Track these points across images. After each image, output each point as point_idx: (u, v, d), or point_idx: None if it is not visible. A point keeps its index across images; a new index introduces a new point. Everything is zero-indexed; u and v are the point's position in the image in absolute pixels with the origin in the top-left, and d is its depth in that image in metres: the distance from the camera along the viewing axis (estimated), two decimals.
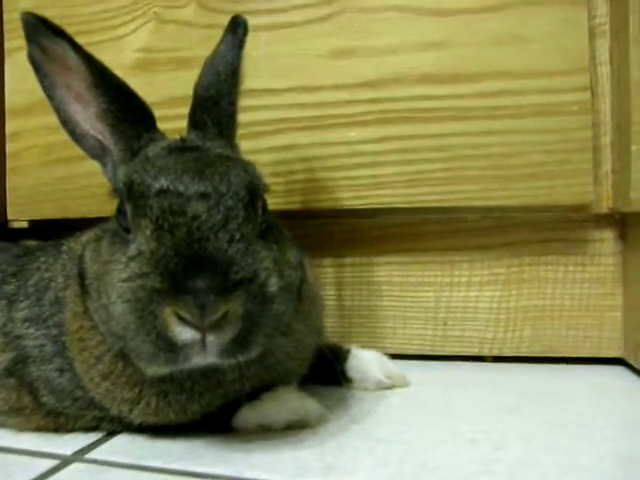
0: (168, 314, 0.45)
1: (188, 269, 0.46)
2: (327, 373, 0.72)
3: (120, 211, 0.53)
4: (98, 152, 0.62)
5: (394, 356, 0.76)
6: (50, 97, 0.60)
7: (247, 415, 0.58)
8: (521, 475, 0.48)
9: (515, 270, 0.82)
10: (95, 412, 0.59)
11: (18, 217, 0.95)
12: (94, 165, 0.88)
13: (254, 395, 0.59)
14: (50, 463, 0.53)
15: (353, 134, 0.80)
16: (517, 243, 0.81)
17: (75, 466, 0.53)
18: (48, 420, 0.60)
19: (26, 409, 0.60)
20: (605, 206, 0.77)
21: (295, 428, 0.58)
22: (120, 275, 0.48)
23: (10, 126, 0.94)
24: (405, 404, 0.67)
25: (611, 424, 0.59)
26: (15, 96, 0.93)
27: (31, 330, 0.60)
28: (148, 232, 0.48)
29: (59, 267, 0.63)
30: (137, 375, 0.54)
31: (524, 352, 0.82)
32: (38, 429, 0.60)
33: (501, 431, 0.57)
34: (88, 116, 0.60)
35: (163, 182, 0.50)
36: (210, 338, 0.46)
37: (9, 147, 0.94)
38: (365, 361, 0.73)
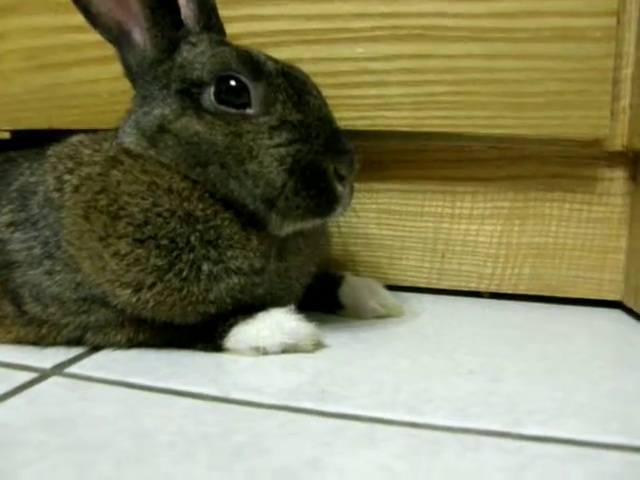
0: (330, 170, 0.54)
1: (334, 134, 0.56)
2: (320, 300, 0.69)
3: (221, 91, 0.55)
4: (115, 34, 0.59)
5: (389, 288, 0.73)
6: None
7: (240, 336, 0.56)
8: (519, 408, 0.46)
9: (519, 205, 0.79)
10: (82, 318, 0.56)
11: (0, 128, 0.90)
12: (83, 73, 0.84)
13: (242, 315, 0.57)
14: (28, 376, 0.51)
15: (360, 50, 0.74)
16: (523, 177, 0.78)
17: (54, 379, 0.51)
18: (29, 330, 0.57)
19: (6, 319, 0.58)
20: (619, 143, 0.73)
21: (289, 352, 0.56)
22: (270, 142, 0.54)
23: None
24: (400, 333, 0.65)
25: (608, 364, 0.58)
26: None
27: (17, 234, 0.57)
28: (290, 104, 0.55)
29: (47, 170, 0.59)
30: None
31: (522, 290, 0.80)
32: (18, 340, 0.58)
33: (499, 364, 0.56)
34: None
35: (281, 65, 0.57)
36: (347, 192, 0.56)
37: None
38: (359, 288, 0.70)
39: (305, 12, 0.75)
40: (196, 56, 0.57)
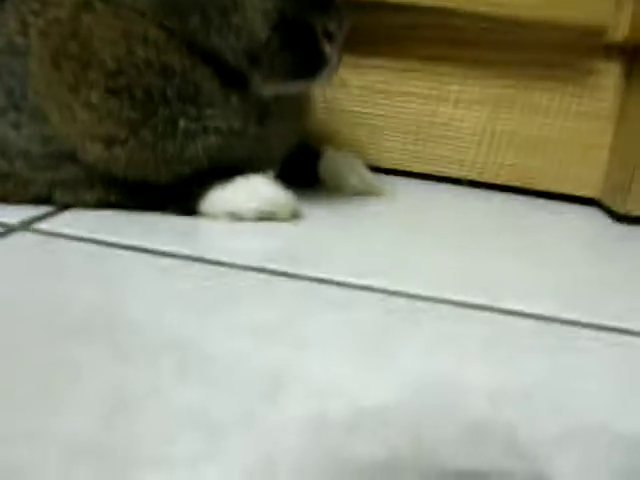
0: (318, 28, 0.50)
1: None
2: (298, 173, 0.67)
3: None
4: None
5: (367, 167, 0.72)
6: None
7: (216, 199, 0.54)
8: (494, 285, 0.47)
9: (509, 92, 0.76)
10: (50, 174, 0.53)
11: None
12: None
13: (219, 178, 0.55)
14: None
15: None
16: (516, 63, 0.75)
17: (21, 234, 0.49)
18: None
19: None
20: (621, 35, 0.70)
21: (265, 220, 0.55)
22: None
23: None
24: (378, 211, 0.64)
25: (582, 255, 0.59)
26: None
27: None
28: None
29: (9, 12, 0.53)
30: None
31: (502, 180, 0.79)
32: None
33: (477, 246, 0.56)
34: None
35: None
36: (334, 53, 0.52)
37: None
38: (339, 164, 0.69)
39: None
40: None
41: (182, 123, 0.51)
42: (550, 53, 0.74)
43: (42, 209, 0.55)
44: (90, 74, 0.49)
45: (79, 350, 0.32)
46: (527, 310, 0.43)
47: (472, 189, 0.79)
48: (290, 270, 0.45)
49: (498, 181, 0.79)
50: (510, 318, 0.41)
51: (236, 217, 0.55)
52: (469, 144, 0.78)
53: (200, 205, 0.55)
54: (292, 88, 0.55)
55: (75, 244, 0.47)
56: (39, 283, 0.40)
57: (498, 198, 0.76)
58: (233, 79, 0.52)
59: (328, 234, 0.55)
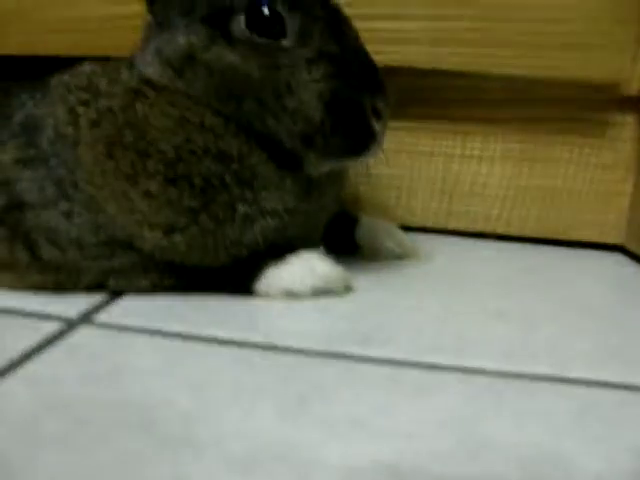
0: (368, 107, 0.51)
1: (371, 68, 0.53)
2: (335, 240, 0.68)
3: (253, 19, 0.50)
4: None
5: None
6: None
7: (272, 279, 0.54)
8: (559, 352, 0.47)
9: (529, 147, 0.78)
10: (104, 262, 0.53)
11: None
12: None
13: (273, 257, 0.55)
14: (55, 326, 0.48)
15: None
16: (535, 119, 0.77)
17: (85, 329, 0.48)
18: (46, 276, 0.54)
19: (20, 264, 0.54)
20: (636, 87, 0.73)
21: (320, 296, 0.55)
22: (309, 76, 0.50)
23: None
24: (420, 275, 0.65)
25: (622, 306, 0.60)
26: None
27: (27, 173, 0.52)
28: (327, 35, 0.51)
29: (56, 102, 0.54)
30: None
31: (528, 233, 0.80)
32: (33, 287, 0.54)
33: (523, 307, 0.56)
34: None
35: None
36: (382, 129, 0.53)
37: None
38: (375, 229, 0.70)
39: None
40: None
41: (240, 207, 0.51)
42: (568, 108, 0.76)
43: (94, 297, 0.54)
44: (148, 163, 0.50)
45: (165, 460, 0.32)
46: (597, 378, 0.43)
47: (500, 243, 0.80)
48: (364, 353, 0.45)
49: (524, 234, 0.80)
50: (586, 388, 0.42)
51: (292, 295, 0.55)
52: (494, 199, 0.80)
53: (256, 285, 0.55)
54: (343, 163, 0.56)
55: (142, 338, 0.47)
56: (114, 383, 0.40)
57: (526, 250, 0.78)
58: (287, 160, 0.53)
59: (383, 307, 0.55)
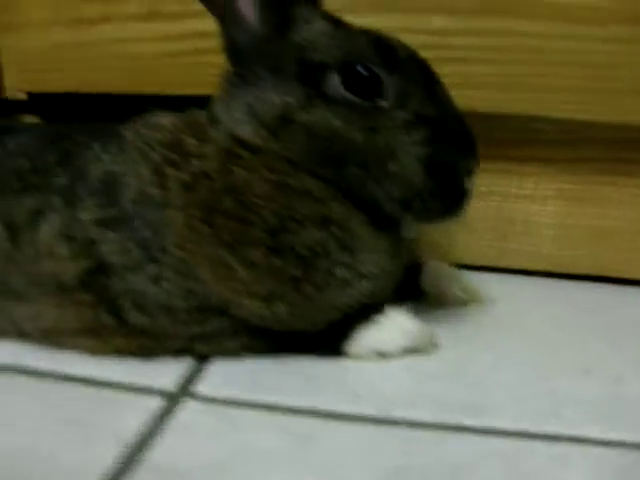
0: (462, 169, 0.52)
1: (464, 128, 0.54)
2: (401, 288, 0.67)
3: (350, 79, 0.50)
4: (221, 8, 0.51)
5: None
6: None
7: (363, 340, 0.54)
8: None
9: (581, 187, 0.78)
10: (193, 327, 0.52)
11: (16, 88, 0.79)
12: (120, 31, 0.75)
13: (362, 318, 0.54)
14: (156, 402, 0.47)
15: (441, 23, 0.70)
16: (587, 159, 0.77)
17: (190, 404, 0.47)
18: (131, 341, 0.52)
19: (104, 329, 0.52)
20: None
21: (409, 354, 0.55)
22: (409, 139, 0.50)
23: None
24: (493, 323, 0.65)
25: None
26: None
27: (110, 234, 0.50)
28: (424, 97, 0.51)
29: (136, 160, 0.52)
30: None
31: (579, 270, 0.80)
32: (117, 352, 0.53)
33: (605, 359, 0.56)
34: None
35: (411, 51, 0.53)
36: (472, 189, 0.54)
37: None
38: (440, 275, 0.69)
39: None
40: (317, 36, 0.51)
41: (339, 272, 0.50)
42: (619, 149, 0.77)
43: (181, 363, 0.53)
44: (250, 232, 0.48)
45: None
46: None
47: (552, 280, 0.81)
48: (481, 424, 0.45)
49: (575, 271, 0.81)
50: None
51: (382, 355, 0.54)
52: (545, 238, 0.80)
53: (347, 346, 0.54)
54: (437, 223, 0.55)
55: (251, 413, 0.46)
56: (242, 469, 0.38)
57: (581, 288, 0.78)
58: (382, 222, 0.52)
59: (470, 366, 0.55)
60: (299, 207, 0.49)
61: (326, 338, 0.54)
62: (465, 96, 0.69)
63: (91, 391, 0.48)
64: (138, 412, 0.45)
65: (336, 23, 0.53)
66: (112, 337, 0.52)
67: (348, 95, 0.50)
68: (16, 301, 0.53)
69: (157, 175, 0.51)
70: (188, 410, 0.46)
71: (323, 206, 0.50)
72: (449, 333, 0.61)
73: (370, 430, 0.44)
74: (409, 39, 0.68)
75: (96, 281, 0.51)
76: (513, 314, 0.67)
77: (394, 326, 0.55)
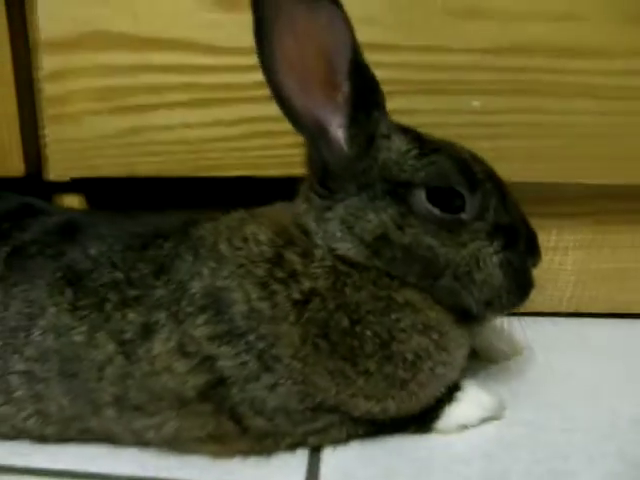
0: (530, 266, 0.60)
1: (531, 231, 0.61)
2: None
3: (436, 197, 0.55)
4: (312, 131, 0.56)
5: None
6: (268, 68, 0.54)
7: (449, 417, 0.61)
8: None
9: (600, 236, 0.87)
10: (307, 425, 0.57)
11: (62, 175, 0.81)
12: (168, 118, 0.77)
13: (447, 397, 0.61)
14: None
15: (476, 103, 0.76)
16: (603, 212, 0.86)
17: None
18: (252, 444, 0.57)
19: (227, 436, 0.56)
20: None
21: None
22: (491, 249, 0.56)
23: (48, 63, 0.77)
24: (537, 377, 0.72)
25: None
26: (54, 24, 0.75)
27: (225, 349, 0.54)
28: (500, 208, 0.58)
29: (240, 275, 0.55)
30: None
31: (598, 309, 0.89)
32: (238, 454, 0.57)
33: None
34: (318, 97, 0.55)
35: (486, 168, 0.60)
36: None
37: (48, 89, 0.77)
38: (487, 331, 0.76)
39: (420, 62, 0.75)
40: (402, 156, 0.56)
41: (438, 370, 0.57)
42: (630, 202, 0.85)
43: (296, 457, 0.58)
44: (365, 346, 0.54)
45: None
46: None
47: (573, 319, 0.89)
48: None
49: (594, 310, 0.90)
50: None
51: (464, 428, 0.61)
52: (567, 283, 0.89)
53: (436, 424, 0.61)
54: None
55: None
56: None
57: (603, 326, 0.87)
58: (467, 319, 0.58)
59: (542, 429, 0.62)
60: (404, 318, 0.55)
61: (419, 420, 0.60)
62: (497, 168, 0.76)
63: None
64: None
65: (414, 139, 0.58)
66: (233, 441, 0.56)
67: (434, 210, 0.55)
68: (135, 413, 0.56)
69: (264, 291, 0.55)
70: None
71: (423, 315, 0.55)
72: (508, 392, 0.68)
73: None
74: (452, 119, 0.75)
75: (216, 393, 0.55)
76: (554, 364, 0.75)
77: (472, 401, 0.62)
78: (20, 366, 0.57)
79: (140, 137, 0.78)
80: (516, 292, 0.58)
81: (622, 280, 0.89)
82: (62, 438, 0.59)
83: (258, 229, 0.58)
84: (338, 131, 0.56)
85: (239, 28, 0.72)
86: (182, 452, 0.57)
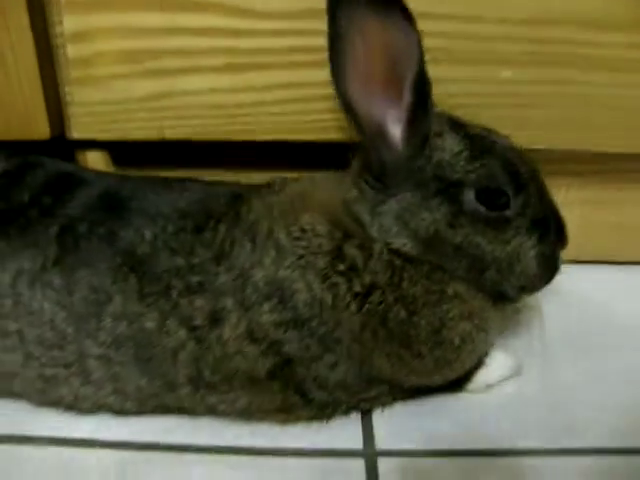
0: (559, 253, 0.64)
1: (561, 222, 0.64)
2: None
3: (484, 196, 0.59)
4: (373, 134, 0.59)
5: None
6: (339, 77, 0.57)
7: (480, 379, 0.70)
8: None
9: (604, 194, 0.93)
10: (362, 394, 0.64)
11: (88, 137, 0.80)
12: (201, 82, 0.76)
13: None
14: (356, 462, 0.61)
15: (506, 73, 0.78)
16: (607, 171, 0.91)
17: (387, 462, 0.61)
18: (315, 412, 0.64)
19: (293, 407, 0.63)
20: None
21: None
22: (530, 243, 0.61)
23: (69, 23, 0.73)
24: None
25: None
26: None
27: (290, 334, 0.59)
28: (538, 205, 0.62)
29: (301, 265, 0.59)
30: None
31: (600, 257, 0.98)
32: (301, 421, 0.65)
33: None
34: (382, 104, 0.58)
35: (531, 168, 0.63)
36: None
37: (70, 50, 0.74)
38: None
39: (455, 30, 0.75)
40: (454, 157, 0.60)
41: (479, 349, 0.65)
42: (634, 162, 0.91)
43: (350, 423, 0.65)
44: (419, 333, 0.60)
45: None
46: None
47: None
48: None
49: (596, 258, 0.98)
50: None
51: (489, 388, 0.70)
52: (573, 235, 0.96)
53: (468, 386, 0.69)
54: None
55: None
56: None
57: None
58: (503, 300, 0.65)
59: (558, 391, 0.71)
60: (453, 309, 0.60)
61: (454, 384, 0.69)
62: (520, 135, 0.80)
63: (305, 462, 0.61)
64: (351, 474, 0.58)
65: (465, 137, 0.61)
66: (298, 411, 0.64)
67: (480, 208, 0.59)
68: (209, 390, 0.62)
69: (326, 282, 0.59)
70: (389, 468, 0.60)
71: (469, 304, 0.61)
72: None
73: None
74: (480, 88, 0.77)
75: (283, 372, 0.61)
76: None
77: (497, 364, 0.71)
78: (95, 350, 0.61)
79: (170, 101, 0.77)
80: (546, 277, 0.64)
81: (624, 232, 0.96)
82: (140, 412, 0.65)
83: (314, 219, 0.61)
84: (396, 133, 0.59)
85: None
86: (253, 421, 0.64)
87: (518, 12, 0.75)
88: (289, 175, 0.73)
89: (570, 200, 0.92)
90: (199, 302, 0.60)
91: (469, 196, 0.59)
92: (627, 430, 0.66)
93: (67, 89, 0.77)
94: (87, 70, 0.75)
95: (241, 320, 0.60)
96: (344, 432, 0.65)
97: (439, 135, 0.60)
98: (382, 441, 0.64)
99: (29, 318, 0.61)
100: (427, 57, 0.71)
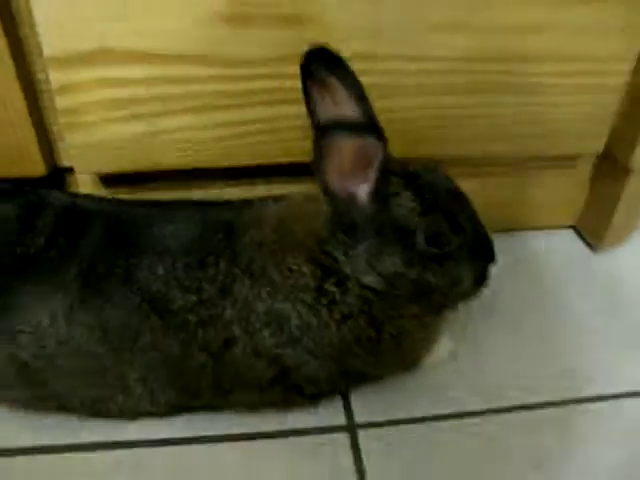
0: (489, 269, 0.77)
1: (489, 242, 0.77)
2: None
3: (431, 240, 0.73)
4: (344, 200, 0.72)
5: None
6: (320, 170, 0.69)
7: (433, 355, 0.89)
8: None
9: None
10: (342, 383, 0.85)
11: (85, 169, 0.88)
12: (189, 120, 0.86)
13: None
14: (340, 437, 0.81)
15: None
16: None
17: (365, 432, 0.81)
18: (305, 401, 0.84)
19: (289, 401, 0.83)
20: None
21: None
22: (468, 269, 0.75)
23: (55, 78, 0.79)
24: None
25: None
26: (56, 41, 0.77)
27: (287, 350, 0.74)
28: (473, 236, 0.75)
29: (291, 299, 0.74)
30: None
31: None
32: (297, 408, 0.85)
33: None
34: (353, 181, 0.71)
35: (470, 213, 0.76)
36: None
37: (58, 102, 0.81)
38: None
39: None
40: (409, 212, 0.72)
41: (432, 345, 0.84)
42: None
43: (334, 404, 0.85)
44: (385, 345, 0.76)
45: None
46: None
47: None
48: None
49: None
50: None
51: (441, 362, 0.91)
52: None
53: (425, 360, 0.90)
54: None
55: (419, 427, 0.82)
56: None
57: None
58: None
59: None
60: (410, 326, 0.77)
61: None
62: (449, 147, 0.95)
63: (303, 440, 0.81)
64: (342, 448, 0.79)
65: (416, 194, 0.73)
66: (294, 403, 0.83)
67: (430, 249, 0.73)
68: (227, 393, 0.79)
69: (312, 311, 0.74)
70: (368, 437, 0.80)
71: (422, 320, 0.78)
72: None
73: None
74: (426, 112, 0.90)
75: (282, 378, 0.78)
76: None
77: (445, 342, 0.91)
78: (134, 375, 0.75)
79: (156, 139, 0.86)
80: (478, 290, 0.80)
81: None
82: (169, 414, 0.82)
83: (298, 260, 0.75)
84: (364, 198, 0.72)
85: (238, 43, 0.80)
86: (259, 411, 0.83)
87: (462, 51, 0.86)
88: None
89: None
90: (212, 332, 0.74)
91: (420, 239, 0.74)
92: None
93: (57, 134, 0.85)
94: (76, 117, 0.83)
95: (248, 343, 0.75)
96: (330, 411, 0.83)
97: (397, 195, 0.73)
98: (359, 415, 0.84)
99: (72, 353, 0.73)
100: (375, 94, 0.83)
